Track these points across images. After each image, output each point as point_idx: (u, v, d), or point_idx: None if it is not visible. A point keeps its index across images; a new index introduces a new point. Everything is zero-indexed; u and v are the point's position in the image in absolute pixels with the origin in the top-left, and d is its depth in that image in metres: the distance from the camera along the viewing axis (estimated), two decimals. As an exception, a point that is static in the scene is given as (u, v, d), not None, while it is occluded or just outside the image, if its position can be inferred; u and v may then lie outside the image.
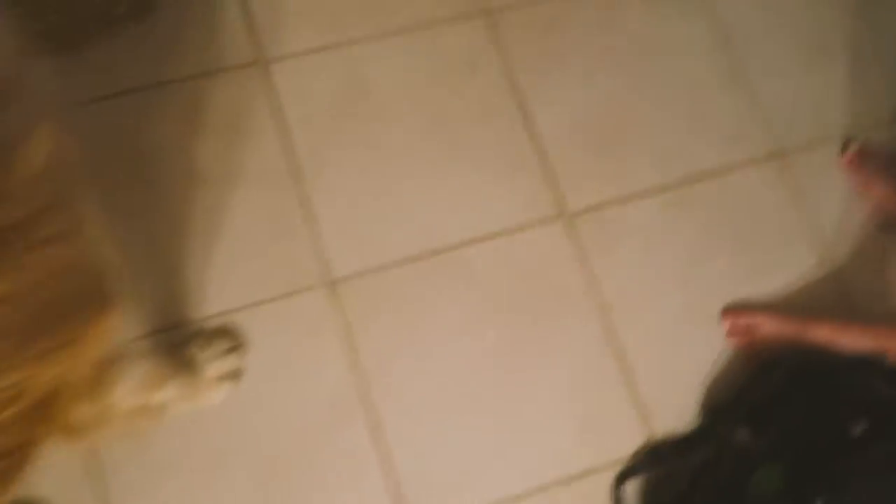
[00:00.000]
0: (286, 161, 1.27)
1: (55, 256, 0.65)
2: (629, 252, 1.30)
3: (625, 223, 1.31)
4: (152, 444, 1.14)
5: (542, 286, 1.27)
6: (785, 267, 1.32)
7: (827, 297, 1.32)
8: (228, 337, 1.19)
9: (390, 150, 1.31)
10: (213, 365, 1.17)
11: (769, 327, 1.24)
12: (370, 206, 1.28)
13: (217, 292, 1.21)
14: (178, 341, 1.17)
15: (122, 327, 0.77)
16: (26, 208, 0.62)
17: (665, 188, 1.34)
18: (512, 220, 1.29)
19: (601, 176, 1.33)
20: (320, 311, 1.22)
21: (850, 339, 1.19)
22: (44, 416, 0.71)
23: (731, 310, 1.28)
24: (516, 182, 1.31)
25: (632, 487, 1.19)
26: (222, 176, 1.25)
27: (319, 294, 1.23)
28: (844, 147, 1.39)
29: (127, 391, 0.95)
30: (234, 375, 1.18)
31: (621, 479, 1.18)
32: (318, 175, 1.27)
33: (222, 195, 1.24)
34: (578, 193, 1.32)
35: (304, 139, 1.29)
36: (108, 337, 0.77)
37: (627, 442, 1.21)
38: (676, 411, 1.23)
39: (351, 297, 1.23)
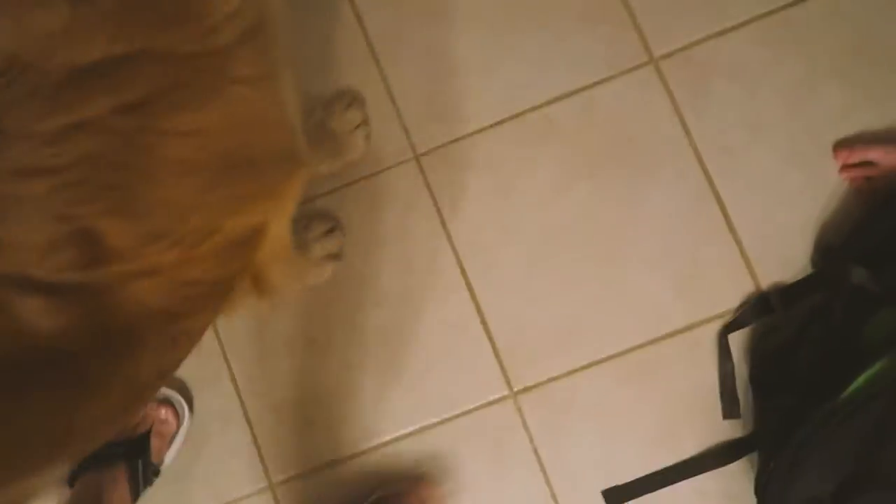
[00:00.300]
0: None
1: (247, 98, 0.64)
2: (726, 92, 1.20)
3: (719, 61, 1.20)
4: (267, 323, 1.22)
5: (634, 137, 1.20)
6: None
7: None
8: (326, 219, 1.22)
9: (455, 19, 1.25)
10: (318, 245, 1.20)
11: (888, 160, 1.13)
12: (446, 80, 1.24)
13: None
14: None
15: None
16: (223, 39, 0.61)
17: (763, 16, 1.21)
18: (595, 72, 1.22)
19: (687, 9, 1.22)
20: (411, 185, 1.23)
21: None
22: (239, 258, 0.72)
23: (844, 144, 1.17)
24: (597, 31, 1.23)
25: (739, 338, 1.16)
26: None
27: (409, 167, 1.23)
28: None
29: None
30: (337, 255, 1.22)
31: (727, 329, 1.15)
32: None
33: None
34: (664, 34, 1.21)
35: None
36: (296, 196, 0.78)
37: (732, 295, 1.17)
38: (785, 261, 1.16)
39: (437, 167, 1.23)
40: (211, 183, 0.63)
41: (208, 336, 1.22)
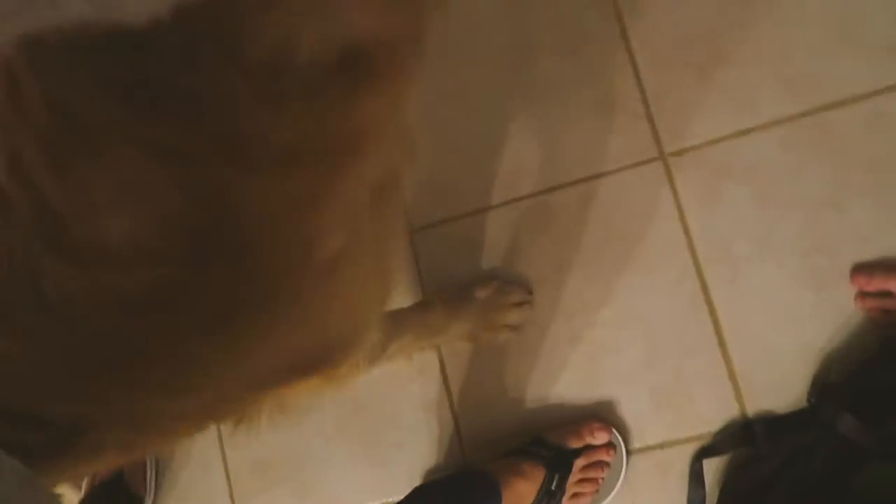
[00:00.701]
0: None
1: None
2: (736, 198, 1.10)
3: (734, 163, 1.11)
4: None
5: (631, 235, 1.14)
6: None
7: None
8: (521, 289, 1.18)
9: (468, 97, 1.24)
10: (503, 314, 1.17)
11: (911, 293, 1.00)
12: (448, 156, 1.24)
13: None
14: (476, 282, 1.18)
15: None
16: None
17: (789, 118, 1.10)
18: (601, 163, 1.17)
19: (712, 104, 1.13)
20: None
21: None
22: None
23: (864, 270, 1.04)
24: (610, 122, 1.18)
25: (716, 465, 1.06)
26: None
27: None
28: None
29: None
30: (516, 328, 1.18)
31: (702, 454, 1.06)
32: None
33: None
34: (678, 130, 1.14)
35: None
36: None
37: (714, 417, 1.08)
38: (779, 389, 1.05)
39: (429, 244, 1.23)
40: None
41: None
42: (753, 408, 1.06)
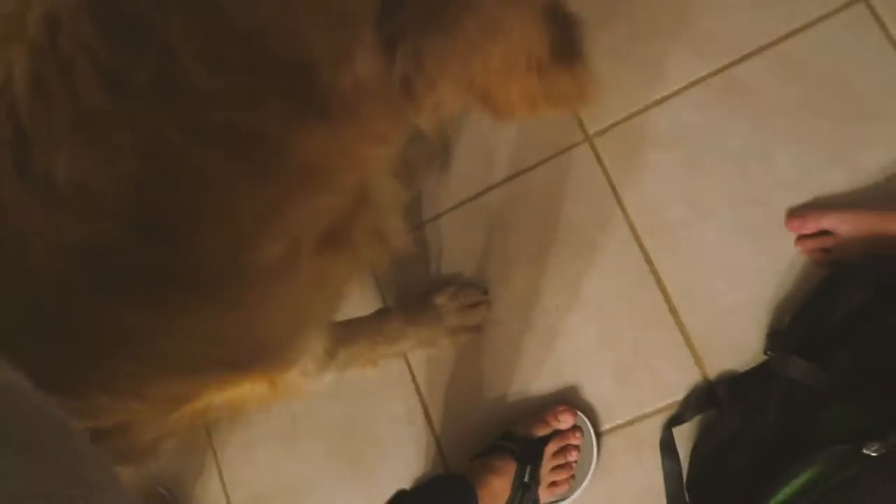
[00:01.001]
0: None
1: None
2: (662, 164, 1.11)
3: (654, 132, 1.12)
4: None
5: (571, 218, 1.15)
6: (870, 148, 1.01)
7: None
8: (474, 291, 1.19)
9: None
10: (457, 315, 1.18)
11: (845, 228, 0.98)
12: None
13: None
14: (434, 288, 1.19)
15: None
16: None
17: (700, 79, 1.11)
18: (531, 155, 1.20)
19: (625, 82, 1.15)
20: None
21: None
22: None
23: (798, 213, 1.03)
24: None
25: (684, 433, 1.05)
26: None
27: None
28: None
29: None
30: (478, 329, 1.19)
31: (671, 423, 1.05)
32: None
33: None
34: (598, 110, 1.16)
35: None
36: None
37: (678, 386, 1.07)
38: (736, 347, 1.04)
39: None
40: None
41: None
42: (715, 370, 1.05)
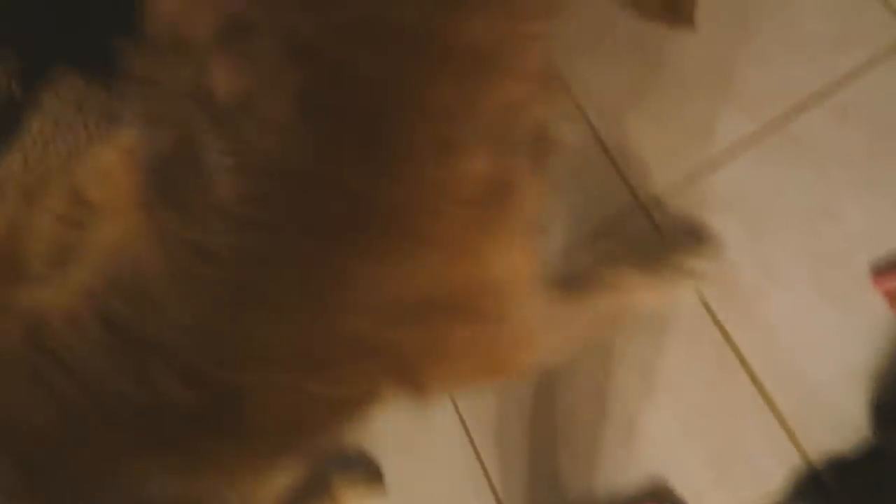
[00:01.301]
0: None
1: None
2: (725, 230, 1.04)
3: (714, 198, 1.06)
4: None
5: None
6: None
7: None
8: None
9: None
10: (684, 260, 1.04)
11: (939, 283, 0.88)
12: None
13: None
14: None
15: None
16: None
17: (752, 136, 1.05)
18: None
19: (668, 149, 1.10)
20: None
21: None
22: None
23: (882, 266, 0.94)
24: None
25: (794, 525, 0.94)
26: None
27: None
28: None
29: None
30: (700, 275, 1.04)
31: (776, 518, 0.95)
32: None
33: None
34: (647, 176, 1.10)
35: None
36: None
37: (775, 469, 0.97)
38: (837, 422, 0.94)
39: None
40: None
41: None
42: (815, 452, 0.95)
